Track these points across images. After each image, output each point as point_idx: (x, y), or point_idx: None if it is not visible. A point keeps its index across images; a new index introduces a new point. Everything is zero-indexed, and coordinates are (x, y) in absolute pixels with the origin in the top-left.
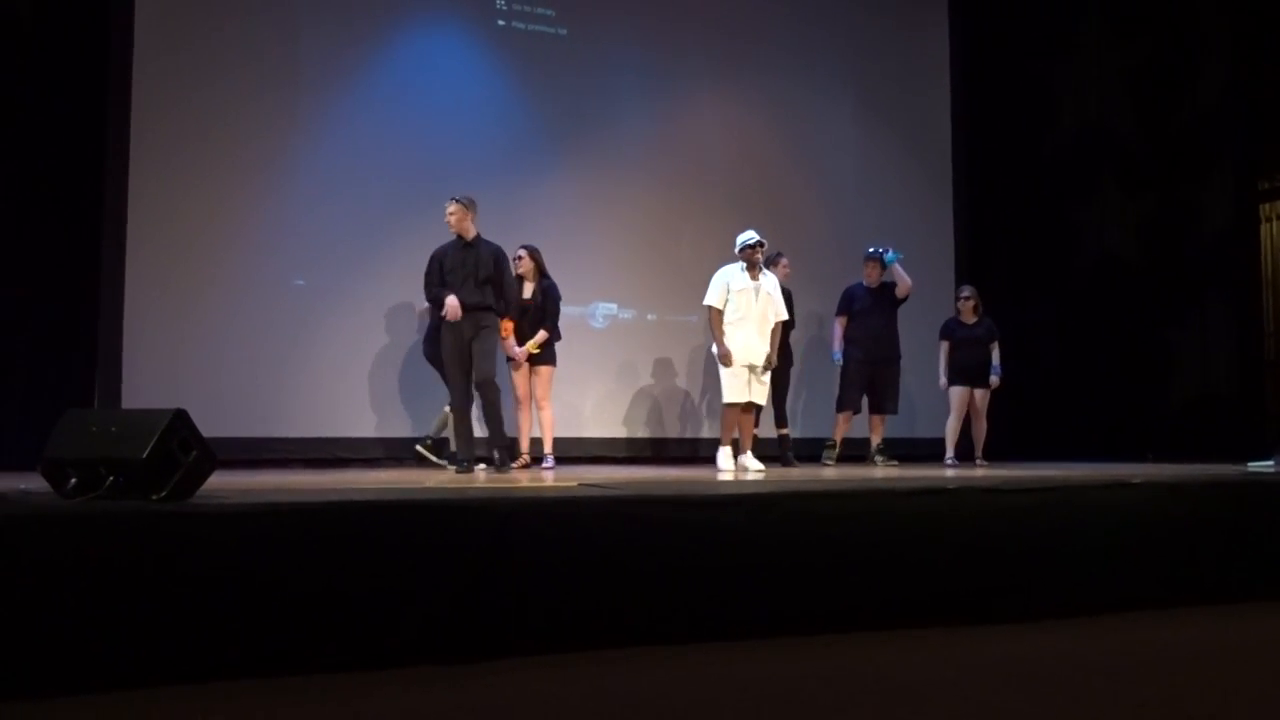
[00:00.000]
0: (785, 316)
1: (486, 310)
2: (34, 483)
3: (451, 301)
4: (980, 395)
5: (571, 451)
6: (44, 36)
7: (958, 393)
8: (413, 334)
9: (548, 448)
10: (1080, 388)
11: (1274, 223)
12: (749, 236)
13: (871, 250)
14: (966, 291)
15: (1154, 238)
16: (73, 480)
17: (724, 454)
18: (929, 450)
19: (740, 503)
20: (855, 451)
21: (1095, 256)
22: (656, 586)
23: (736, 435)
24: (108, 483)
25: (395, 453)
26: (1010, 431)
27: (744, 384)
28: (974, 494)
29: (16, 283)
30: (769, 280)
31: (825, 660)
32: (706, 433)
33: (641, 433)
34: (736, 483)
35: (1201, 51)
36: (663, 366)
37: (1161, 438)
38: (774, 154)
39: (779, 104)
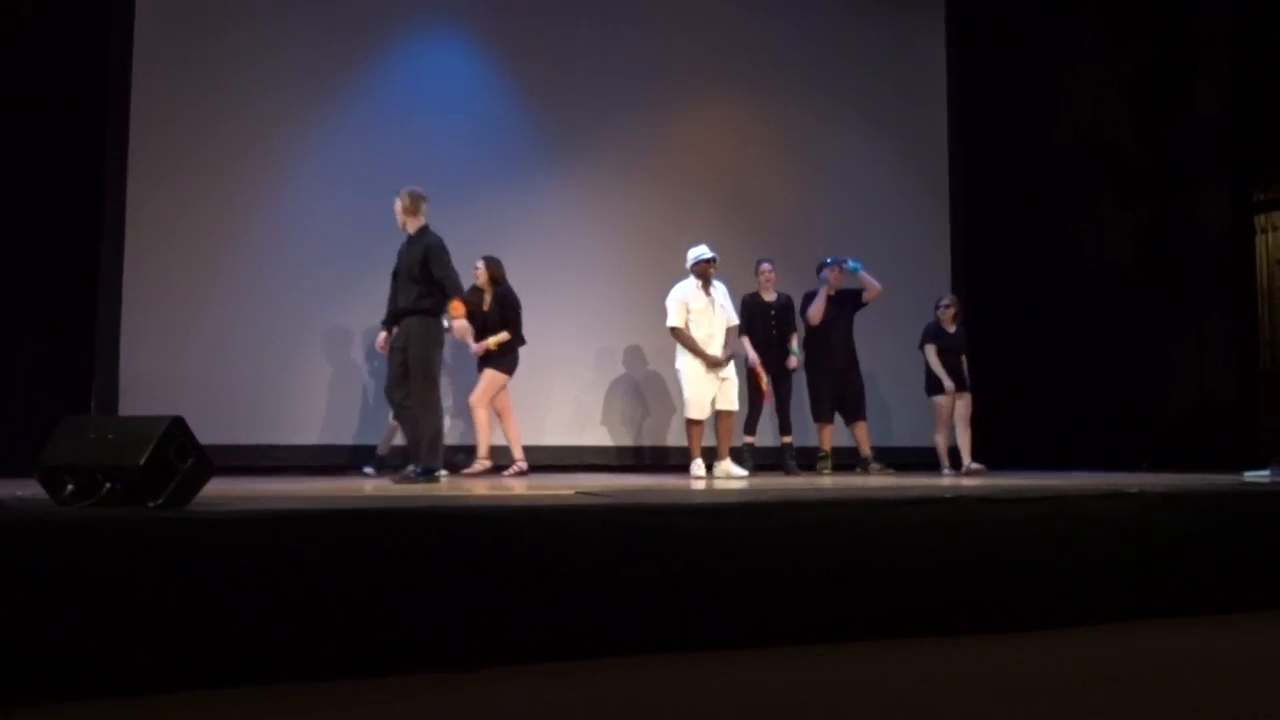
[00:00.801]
0: (736, 322)
1: (412, 314)
2: (31, 489)
3: (459, 325)
4: (962, 403)
5: (567, 460)
6: (44, 40)
7: (942, 403)
8: None
9: (482, 452)
10: (1076, 397)
11: (1270, 233)
12: (701, 252)
13: (829, 260)
14: (948, 300)
15: (1151, 247)
16: (70, 487)
17: (696, 465)
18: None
19: (736, 511)
20: (843, 460)
21: (1092, 265)
22: (653, 595)
23: (717, 444)
24: (105, 490)
25: (393, 460)
26: (1006, 440)
27: (708, 400)
28: (970, 503)
29: (14, 288)
30: (719, 291)
31: (822, 670)
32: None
33: (642, 441)
34: (733, 491)
35: (1199, 61)
36: (656, 375)
37: (1158, 447)
38: (770, 163)
39: (775, 113)
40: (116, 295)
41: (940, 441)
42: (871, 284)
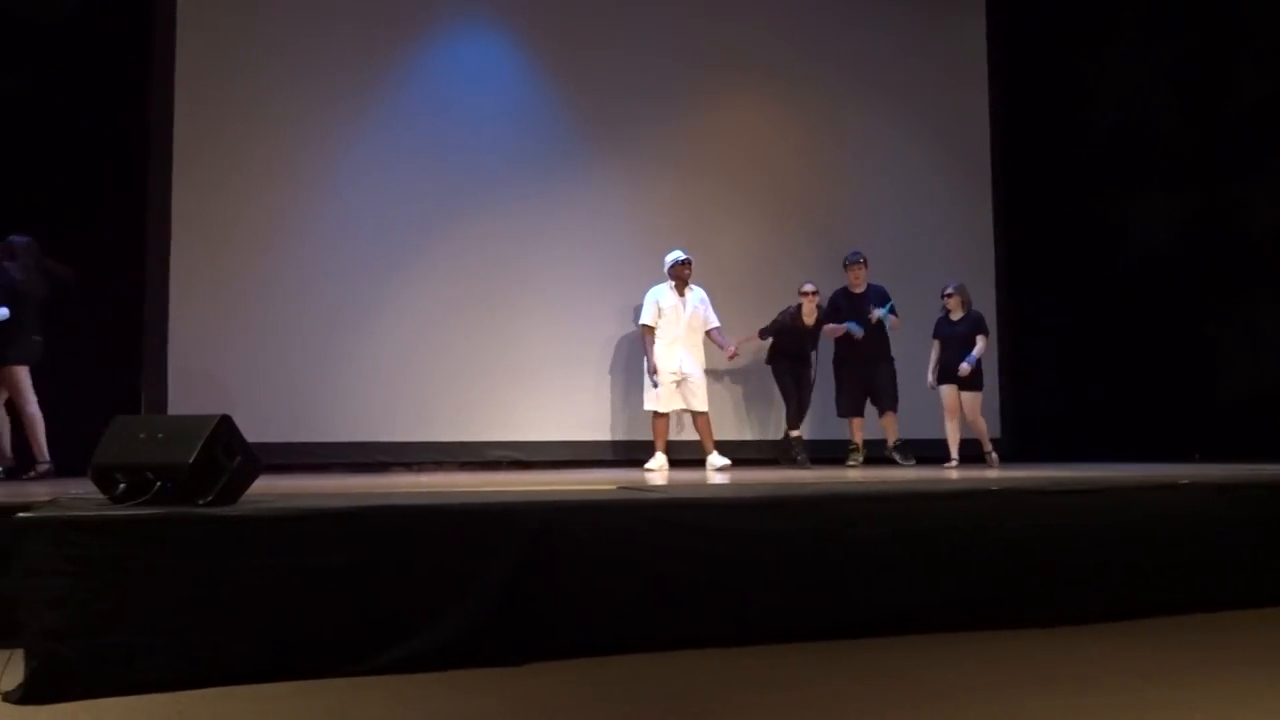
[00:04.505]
0: (717, 324)
1: None
2: (84, 488)
3: None
4: (968, 396)
5: (612, 456)
6: (88, 44)
7: (945, 393)
8: (451, 338)
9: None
10: (1125, 387)
11: None
12: (676, 255)
13: (853, 261)
14: (950, 288)
15: (1199, 234)
16: (121, 486)
17: (654, 459)
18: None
19: (780, 505)
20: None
21: (1138, 253)
22: (695, 590)
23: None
24: (155, 488)
25: (435, 456)
26: (1054, 431)
27: (670, 395)
28: (1018, 495)
29: (65, 292)
30: (694, 294)
31: (867, 664)
32: (750, 435)
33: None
34: (777, 485)
35: (1247, 42)
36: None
37: (1209, 438)
38: (808, 151)
39: (812, 100)
40: (163, 296)
41: (949, 428)
42: (894, 326)
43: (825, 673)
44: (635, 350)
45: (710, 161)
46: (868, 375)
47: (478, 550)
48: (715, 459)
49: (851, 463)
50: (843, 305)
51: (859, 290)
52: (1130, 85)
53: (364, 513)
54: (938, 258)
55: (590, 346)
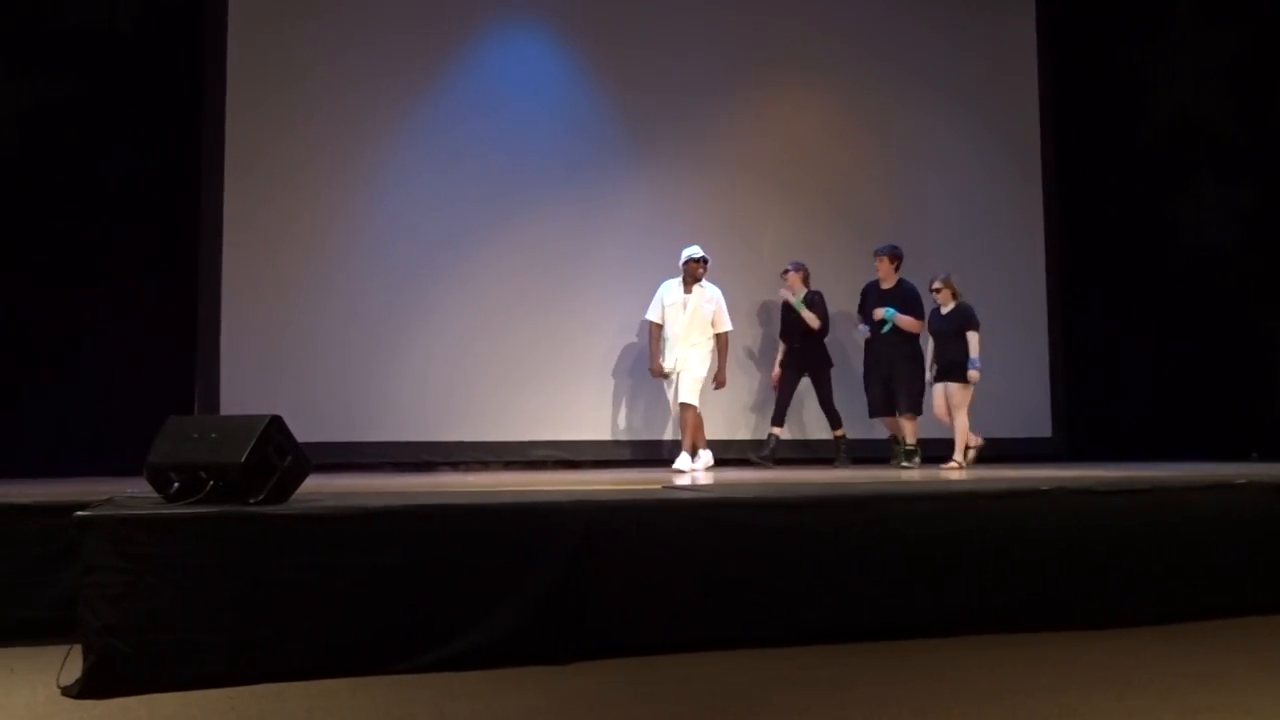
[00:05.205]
0: (728, 328)
1: None
2: (139, 487)
3: None
4: (953, 388)
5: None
6: (142, 53)
7: (938, 390)
8: (499, 338)
9: None
10: (1179, 385)
11: None
12: (688, 252)
13: (877, 254)
14: (937, 280)
15: (1255, 229)
16: (175, 484)
17: (699, 456)
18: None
19: (829, 505)
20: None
21: (1193, 248)
22: (740, 589)
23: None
24: (208, 487)
25: (481, 456)
26: (1105, 430)
27: (668, 389)
28: (1067, 496)
29: (120, 295)
30: (703, 293)
31: (913, 665)
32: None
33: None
34: (822, 485)
35: None
36: (739, 364)
37: (1267, 436)
38: (855, 147)
39: (860, 95)
40: (216, 298)
41: (961, 426)
42: (907, 326)
43: (871, 674)
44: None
45: (756, 159)
46: (887, 375)
47: (524, 550)
48: (683, 460)
49: (900, 463)
50: (869, 300)
51: (886, 286)
52: (1184, 78)
53: (412, 512)
54: (988, 254)
55: (637, 346)
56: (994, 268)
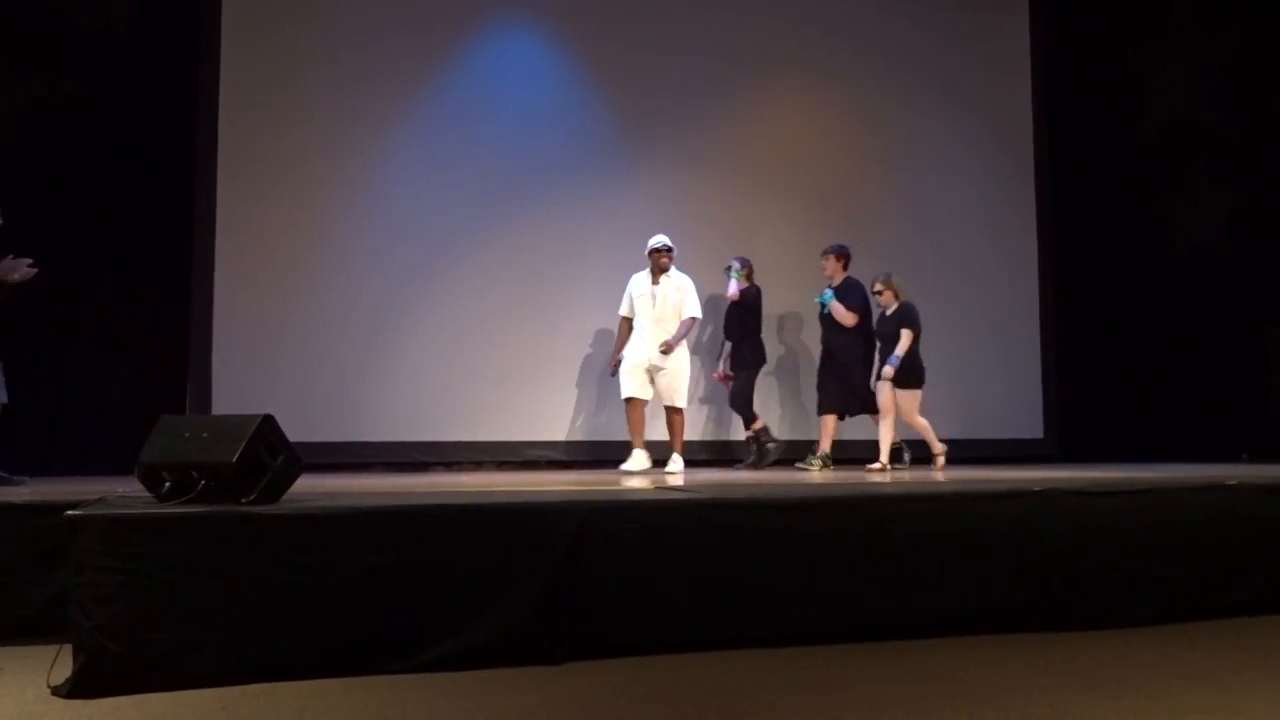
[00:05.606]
0: (695, 314)
1: None
2: (131, 486)
3: None
4: (903, 395)
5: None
6: (136, 53)
7: (879, 390)
8: (492, 339)
9: None
10: (1171, 386)
11: None
12: (654, 241)
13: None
14: (878, 281)
15: (1249, 231)
16: (167, 484)
17: (632, 457)
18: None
19: (821, 506)
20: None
21: (1186, 250)
22: (734, 590)
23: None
24: (200, 486)
25: (474, 456)
26: (1098, 431)
27: (631, 381)
28: (1060, 497)
29: (113, 293)
30: (671, 282)
31: (909, 667)
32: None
33: (720, 435)
34: (817, 485)
35: None
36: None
37: (1258, 438)
38: (850, 148)
39: (854, 97)
40: (208, 298)
41: (881, 431)
42: (841, 316)
43: (865, 674)
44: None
45: (752, 160)
46: (821, 373)
47: (518, 549)
48: (675, 462)
49: (799, 463)
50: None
51: (834, 284)
52: (1178, 79)
53: (405, 512)
54: (982, 254)
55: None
56: (987, 268)
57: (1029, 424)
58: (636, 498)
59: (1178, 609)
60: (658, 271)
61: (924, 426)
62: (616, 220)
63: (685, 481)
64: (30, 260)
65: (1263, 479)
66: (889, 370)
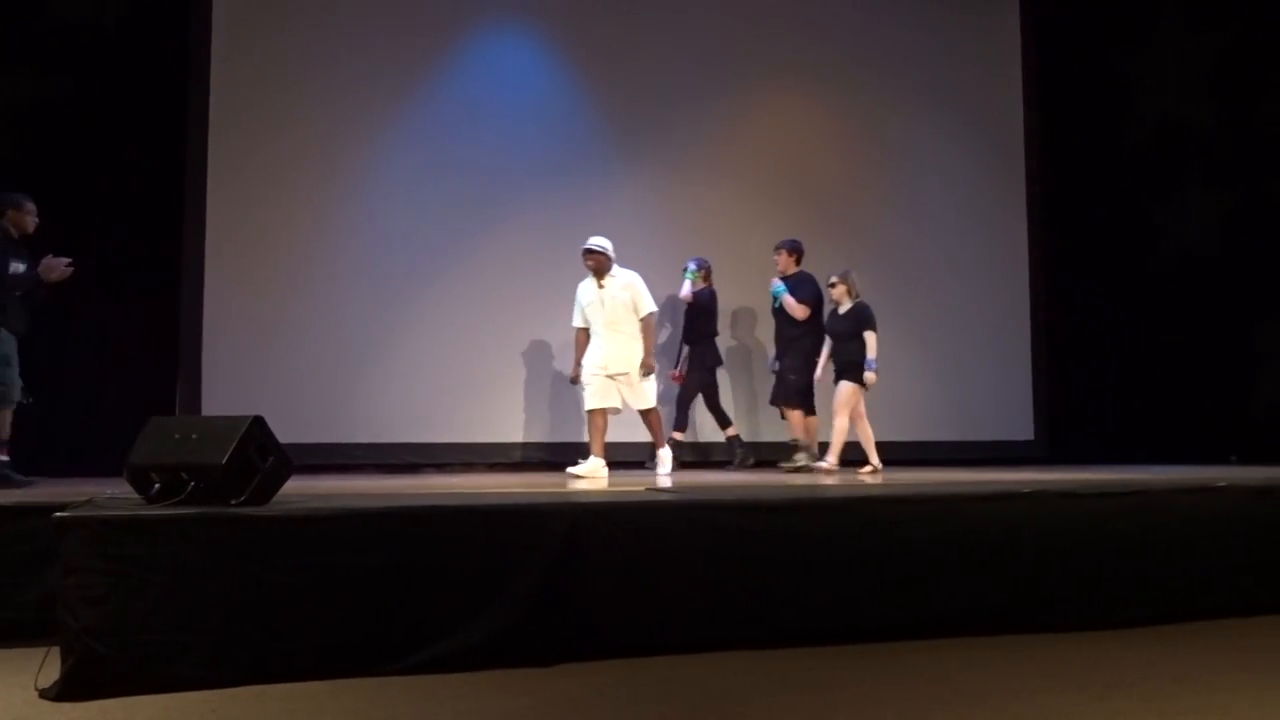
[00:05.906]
0: (649, 309)
1: None
2: (120, 488)
3: None
4: (844, 389)
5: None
6: (126, 54)
7: (839, 390)
8: (482, 341)
9: None
10: (1161, 388)
11: None
12: (590, 243)
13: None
14: (834, 277)
15: (1238, 233)
16: (156, 485)
17: (588, 462)
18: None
19: (810, 508)
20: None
21: (1176, 252)
22: (726, 591)
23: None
24: (189, 488)
25: (465, 457)
26: (1088, 433)
27: (600, 390)
28: (1050, 499)
29: (101, 293)
30: (617, 281)
31: (901, 668)
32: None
33: (707, 436)
34: (806, 488)
35: None
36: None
37: (1247, 440)
38: (842, 151)
39: (846, 100)
40: (198, 299)
41: (858, 432)
42: (791, 309)
43: (857, 675)
44: (664, 353)
45: (744, 164)
46: (779, 365)
47: (509, 551)
48: (664, 454)
49: (782, 462)
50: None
51: (785, 277)
52: (1167, 82)
53: (395, 513)
54: (973, 255)
55: None
56: (978, 269)
57: (1019, 425)
58: (628, 499)
59: (1168, 610)
60: (597, 274)
61: (844, 429)
62: (609, 224)
63: (675, 483)
64: (69, 260)
65: (1252, 481)
66: (870, 376)
